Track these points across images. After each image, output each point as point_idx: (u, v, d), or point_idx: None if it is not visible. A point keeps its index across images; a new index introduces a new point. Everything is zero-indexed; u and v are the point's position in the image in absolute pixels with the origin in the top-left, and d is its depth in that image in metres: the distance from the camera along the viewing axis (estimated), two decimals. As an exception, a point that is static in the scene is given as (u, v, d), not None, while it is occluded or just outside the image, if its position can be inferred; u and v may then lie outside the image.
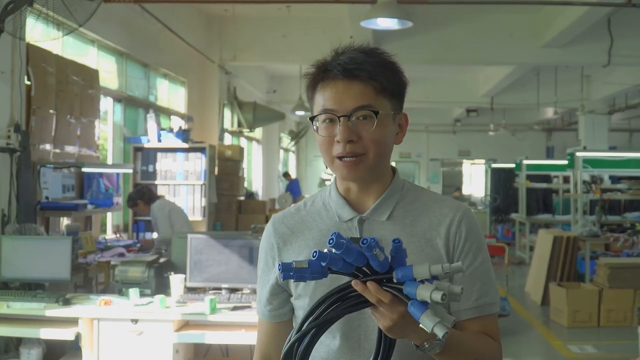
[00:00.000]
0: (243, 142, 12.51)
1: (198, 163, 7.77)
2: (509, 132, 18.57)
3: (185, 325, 3.72)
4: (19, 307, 3.72)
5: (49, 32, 4.37)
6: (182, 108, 9.38)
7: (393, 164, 1.50)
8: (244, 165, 9.91)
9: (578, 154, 9.38)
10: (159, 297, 3.70)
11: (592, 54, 9.12)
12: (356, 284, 1.17)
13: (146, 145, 7.67)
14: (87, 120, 5.94)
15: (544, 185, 12.62)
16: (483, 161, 19.06)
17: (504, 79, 12.22)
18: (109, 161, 7.21)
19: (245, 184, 10.62)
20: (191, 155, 7.78)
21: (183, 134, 7.71)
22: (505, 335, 5.58)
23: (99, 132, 6.32)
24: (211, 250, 3.92)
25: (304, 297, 1.42)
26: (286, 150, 18.42)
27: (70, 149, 5.67)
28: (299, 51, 9.63)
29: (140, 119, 8.01)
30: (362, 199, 1.44)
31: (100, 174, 6.10)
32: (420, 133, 19.58)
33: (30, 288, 4.03)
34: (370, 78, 1.35)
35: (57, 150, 5.45)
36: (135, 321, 3.62)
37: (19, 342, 4.06)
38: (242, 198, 9.34)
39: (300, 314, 1.44)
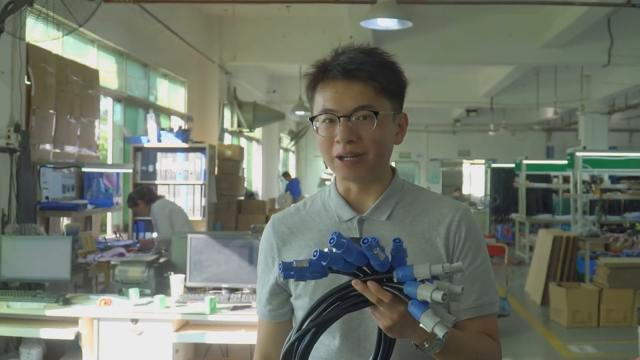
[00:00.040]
0: (243, 142, 12.51)
1: (198, 163, 7.78)
2: (508, 132, 18.58)
3: (185, 325, 3.72)
4: (19, 307, 3.72)
5: (49, 32, 4.37)
6: (182, 108, 9.38)
7: (393, 164, 1.50)
8: (244, 165, 9.91)
9: (578, 154, 9.38)
10: (158, 297, 3.70)
11: (592, 54, 9.12)
12: (356, 284, 1.17)
13: (146, 145, 7.67)
14: (87, 120, 5.95)
15: (543, 185, 12.62)
16: (483, 161, 19.07)
17: (504, 79, 12.22)
18: (109, 161, 7.21)
19: (245, 184, 10.62)
20: (191, 155, 7.78)
21: (183, 134, 7.71)
22: (505, 335, 5.58)
23: (99, 132, 6.32)
24: (211, 250, 3.92)
25: (303, 297, 1.42)
26: (286, 150, 18.43)
27: (70, 149, 5.67)
28: (299, 51, 9.63)
29: (140, 119, 8.01)
30: (361, 199, 1.44)
31: (100, 174, 6.11)
32: (420, 133, 19.59)
33: (30, 288, 4.03)
34: (370, 78, 1.35)
35: (57, 150, 5.45)
36: (135, 321, 3.62)
37: (19, 342, 4.06)
38: (242, 198, 9.34)
39: (300, 314, 1.44)
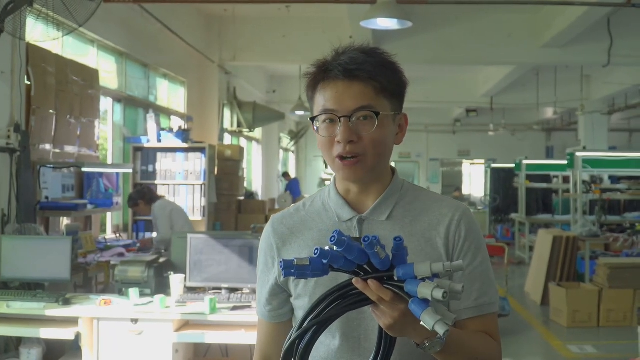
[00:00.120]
0: (243, 142, 12.51)
1: (198, 163, 7.78)
2: (508, 132, 18.58)
3: (185, 325, 3.72)
4: (19, 307, 3.72)
5: (49, 32, 4.37)
6: (181, 108, 9.38)
7: (393, 164, 1.50)
8: (244, 165, 9.91)
9: (578, 154, 9.38)
10: (158, 297, 3.70)
11: (592, 54, 9.12)
12: (357, 282, 1.17)
13: (146, 145, 7.67)
14: (87, 120, 5.95)
15: (543, 185, 12.62)
16: (483, 161, 19.07)
17: (504, 79, 12.22)
18: (109, 161, 7.21)
19: (245, 184, 10.62)
20: (191, 155, 7.78)
21: (183, 134, 7.71)
22: (505, 335, 5.58)
23: (98, 132, 6.32)
24: (211, 250, 3.92)
25: (303, 297, 1.42)
26: (286, 150, 18.43)
27: (70, 149, 5.67)
28: (299, 51, 9.63)
29: (140, 119, 8.01)
30: (361, 199, 1.44)
31: (100, 174, 6.10)
32: (420, 133, 19.59)
33: (30, 288, 4.03)
34: (370, 78, 1.35)
35: (57, 150, 5.45)
36: (135, 321, 3.62)
37: (19, 341, 4.06)
38: (241, 198, 9.34)
39: (300, 314, 1.44)
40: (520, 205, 12.34)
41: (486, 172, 15.98)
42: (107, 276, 5.21)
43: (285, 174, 16.73)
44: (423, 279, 1.14)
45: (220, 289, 3.92)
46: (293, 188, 15.29)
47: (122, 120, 7.55)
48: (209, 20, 9.61)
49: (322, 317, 1.20)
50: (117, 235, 7.05)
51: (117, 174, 6.59)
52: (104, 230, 7.04)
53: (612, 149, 13.87)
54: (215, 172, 8.35)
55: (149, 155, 7.72)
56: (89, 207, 5.51)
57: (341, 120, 1.35)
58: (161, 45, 8.15)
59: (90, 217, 6.11)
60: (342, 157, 1.36)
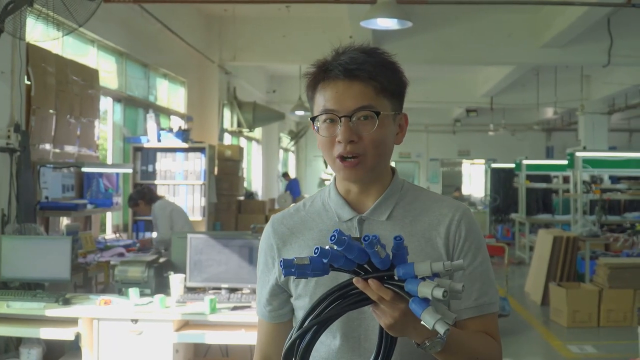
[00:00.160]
0: (243, 142, 12.51)
1: (198, 163, 7.78)
2: (508, 132, 18.58)
3: (185, 325, 3.72)
4: (18, 306, 3.72)
5: (49, 32, 4.37)
6: (181, 108, 9.38)
7: (393, 164, 1.50)
8: (244, 165, 9.91)
9: (578, 154, 9.38)
10: (158, 297, 3.70)
11: (592, 54, 9.12)
12: (357, 282, 1.17)
13: (146, 145, 7.67)
14: (87, 120, 5.95)
15: (543, 185, 12.62)
16: (483, 161, 19.07)
17: (504, 79, 12.22)
18: (109, 161, 7.21)
19: (245, 184, 10.63)
20: (191, 155, 7.78)
21: (183, 134, 7.71)
22: (505, 335, 5.58)
23: (98, 132, 6.32)
24: (211, 250, 3.92)
25: (304, 297, 1.42)
26: (286, 150, 18.43)
27: (70, 148, 5.67)
28: (299, 51, 9.63)
29: (140, 119, 8.01)
30: (361, 199, 1.44)
31: (100, 174, 6.10)
32: (420, 133, 19.59)
33: (30, 288, 4.03)
34: (370, 78, 1.35)
35: (57, 150, 5.45)
36: (135, 321, 3.62)
37: (18, 341, 4.06)
38: (241, 198, 9.34)
39: (300, 314, 1.44)
40: (520, 205, 12.34)
41: (486, 172, 15.98)
42: (107, 276, 5.21)
43: (285, 174, 16.73)
44: (423, 278, 1.14)
45: (220, 289, 3.92)
46: (293, 188, 15.30)
47: (122, 120, 7.55)
48: (209, 20, 9.61)
49: (322, 316, 1.20)
50: (117, 235, 7.05)
51: (117, 174, 6.59)
52: (103, 230, 7.04)
53: (612, 149, 13.86)
54: (215, 172, 8.35)
55: (148, 155, 7.72)
56: (89, 207, 5.51)
57: (341, 120, 1.35)
58: (161, 45, 8.15)
59: (90, 217, 6.11)
60: (342, 158, 1.36)
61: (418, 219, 1.42)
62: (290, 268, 1.16)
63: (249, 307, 3.71)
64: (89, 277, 5.04)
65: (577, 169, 9.25)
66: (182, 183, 7.77)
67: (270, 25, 9.69)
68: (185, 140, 7.72)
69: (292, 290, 1.45)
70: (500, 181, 14.73)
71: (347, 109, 1.35)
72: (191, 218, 6.99)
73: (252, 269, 3.81)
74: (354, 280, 1.17)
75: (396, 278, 1.16)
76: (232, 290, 3.91)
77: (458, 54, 9.58)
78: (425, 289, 1.12)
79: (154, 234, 6.42)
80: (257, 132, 13.80)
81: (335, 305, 1.20)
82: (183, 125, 8.39)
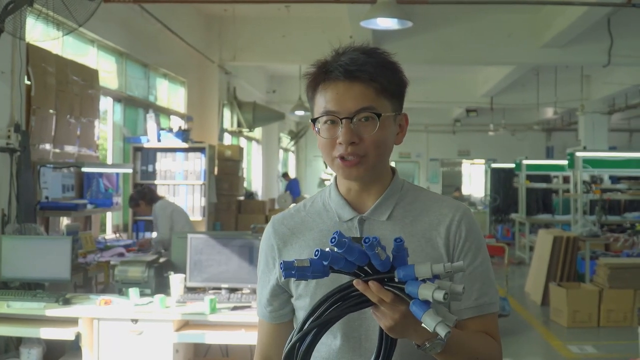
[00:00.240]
0: (243, 142, 12.51)
1: (198, 163, 7.78)
2: (508, 132, 18.58)
3: (185, 325, 3.72)
4: (19, 306, 3.72)
5: (49, 32, 4.37)
6: (181, 108, 9.38)
7: (393, 164, 1.50)
8: (244, 165, 9.91)
9: (578, 154, 9.38)
10: (158, 297, 3.70)
11: (592, 54, 9.12)
12: (358, 284, 1.17)
13: (146, 145, 7.67)
14: (87, 120, 5.95)
15: (543, 185, 12.63)
16: (483, 161, 19.08)
17: (504, 79, 12.22)
18: (109, 161, 7.21)
19: (245, 184, 10.62)
20: (191, 155, 7.78)
21: (183, 134, 7.71)
22: (505, 335, 5.58)
23: (98, 132, 6.32)
24: (211, 250, 3.92)
25: (304, 297, 1.42)
26: (286, 150, 18.43)
27: (70, 148, 5.67)
28: (299, 51, 9.63)
29: (140, 119, 8.01)
30: (362, 199, 1.44)
31: (100, 174, 6.10)
32: (420, 133, 19.59)
33: (30, 288, 4.03)
34: (371, 79, 1.35)
35: (57, 150, 5.45)
36: (135, 321, 3.62)
37: (19, 341, 4.06)
38: (241, 198, 9.34)
39: (300, 314, 1.44)
40: (520, 205, 12.34)
41: (486, 172, 15.98)
42: (107, 276, 5.21)
43: (285, 175, 16.73)
44: (424, 280, 1.14)
45: (220, 289, 3.92)
46: (293, 188, 15.30)
47: (122, 120, 7.55)
48: (209, 20, 9.61)
49: (322, 319, 1.20)
50: (117, 235, 7.05)
51: (117, 174, 6.59)
52: (103, 230, 7.04)
53: (612, 149, 13.86)
54: (215, 172, 8.35)
55: (148, 155, 7.72)
56: (89, 207, 5.51)
57: (342, 122, 1.35)
58: (161, 45, 8.14)
59: (90, 217, 6.11)
60: (342, 157, 1.36)
61: (418, 219, 1.42)
62: (291, 270, 1.16)
63: (249, 307, 3.71)
64: (89, 277, 5.04)
65: (577, 169, 9.25)
66: (182, 183, 7.77)
67: (270, 25, 9.69)
68: (185, 140, 7.72)
69: (292, 290, 1.45)
70: (500, 181, 14.73)
71: (348, 111, 1.35)
72: (191, 218, 6.99)
73: (252, 269, 3.81)
74: (354, 282, 1.17)
75: (396, 280, 1.16)
76: (232, 290, 3.91)
77: (458, 54, 9.58)
78: (426, 292, 1.12)
79: (154, 234, 6.42)
80: (257, 132, 13.80)
81: (336, 307, 1.20)
82: (183, 125, 8.39)
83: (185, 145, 7.72)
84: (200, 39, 9.30)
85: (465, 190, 21.32)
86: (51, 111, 5.32)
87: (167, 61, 8.51)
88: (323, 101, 1.37)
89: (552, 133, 20.18)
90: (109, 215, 7.16)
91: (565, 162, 10.47)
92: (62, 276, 3.95)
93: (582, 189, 9.23)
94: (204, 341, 3.74)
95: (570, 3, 7.29)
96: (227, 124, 10.75)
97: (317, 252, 1.15)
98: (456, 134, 20.04)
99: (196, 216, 7.65)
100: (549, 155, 19.34)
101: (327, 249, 1.15)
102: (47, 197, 5.12)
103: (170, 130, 7.78)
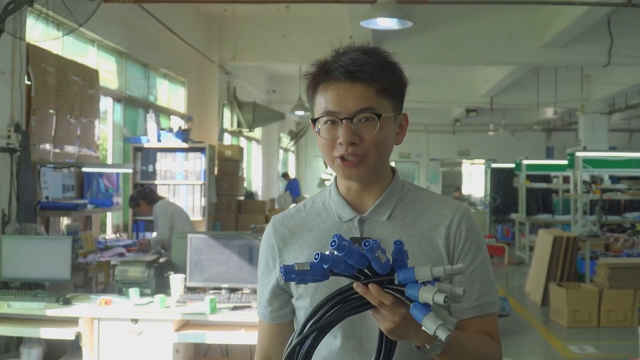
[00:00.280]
0: (243, 142, 12.51)
1: (198, 163, 7.78)
2: (508, 132, 18.58)
3: (185, 325, 3.72)
4: (19, 306, 3.72)
5: (49, 32, 4.37)
6: (181, 108, 9.38)
7: (393, 164, 1.50)
8: (244, 165, 9.91)
9: (578, 154, 9.39)
10: (159, 297, 3.70)
11: (592, 54, 9.12)
12: (358, 287, 1.17)
13: (146, 145, 7.67)
14: (87, 120, 5.95)
15: (543, 185, 12.62)
16: (483, 161, 19.07)
17: (504, 79, 12.22)
18: (109, 161, 7.21)
19: (245, 184, 10.62)
20: (191, 155, 7.78)
21: (183, 134, 7.71)
22: (505, 335, 5.58)
23: (98, 132, 6.32)
24: (211, 250, 3.93)
25: (304, 297, 1.42)
26: (286, 150, 18.43)
27: (70, 148, 5.67)
28: (299, 51, 9.63)
29: (140, 119, 8.01)
30: (362, 199, 1.44)
31: (100, 174, 6.10)
32: (420, 133, 19.59)
33: (30, 288, 4.03)
34: (371, 79, 1.35)
35: (57, 150, 5.45)
36: (135, 321, 3.62)
37: (19, 341, 4.06)
38: (241, 198, 9.34)
39: (301, 314, 1.44)
40: (520, 205, 12.34)
41: (486, 172, 15.98)
42: (107, 276, 5.21)
43: (285, 175, 16.73)
44: (424, 283, 1.14)
45: (220, 289, 3.92)
46: (293, 188, 15.30)
47: (122, 120, 7.55)
48: (209, 20, 9.61)
49: (322, 322, 1.20)
50: (117, 235, 7.05)
51: (117, 174, 6.59)
52: (104, 230, 7.04)
53: (612, 149, 13.86)
54: (215, 172, 8.35)
55: (148, 155, 7.72)
56: (89, 207, 5.51)
57: (343, 122, 1.35)
58: (161, 45, 8.15)
59: (90, 217, 6.11)
60: (342, 158, 1.36)
61: (418, 219, 1.42)
62: (291, 274, 1.16)
63: (249, 307, 3.71)
64: (89, 277, 5.04)
65: (577, 169, 9.25)
66: (182, 183, 7.78)
67: (270, 25, 9.70)
68: (185, 140, 7.72)
69: (293, 290, 1.46)
70: (500, 181, 14.73)
71: (348, 111, 1.35)
72: (191, 218, 6.99)
73: (252, 269, 3.81)
74: (354, 285, 1.17)
75: (396, 283, 1.16)
76: (232, 290, 3.91)
77: (458, 54, 9.58)
78: (426, 295, 1.12)
79: (154, 234, 6.42)
80: (257, 132, 13.79)
81: (336, 310, 1.20)
82: (183, 125, 8.39)
83: (185, 145, 7.72)
84: (200, 39, 9.30)
85: (465, 190, 21.32)
86: (51, 111, 5.32)
87: (167, 61, 8.51)
88: (323, 101, 1.37)
89: (552, 133, 20.18)
90: (109, 215, 7.17)
91: (565, 162, 10.47)
92: (63, 276, 3.96)
93: (582, 189, 9.23)
94: (204, 341, 3.74)
95: (570, 3, 7.29)
96: (227, 124, 10.75)
97: (317, 256, 1.15)
98: (456, 134, 20.04)
99: (196, 216, 7.65)
100: (549, 155, 19.35)
101: (327, 252, 1.15)
102: (47, 197, 5.12)
103: (170, 130, 7.79)
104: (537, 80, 12.91)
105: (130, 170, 7.17)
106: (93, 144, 6.12)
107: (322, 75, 1.38)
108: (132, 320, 3.62)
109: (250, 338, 3.54)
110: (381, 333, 1.23)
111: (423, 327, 1.13)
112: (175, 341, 3.61)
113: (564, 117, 17.87)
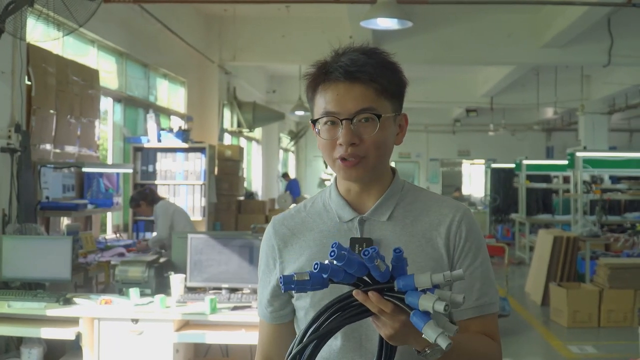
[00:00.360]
0: (243, 142, 12.51)
1: (198, 163, 7.78)
2: (508, 132, 18.58)
3: (185, 325, 3.73)
4: (19, 306, 3.73)
5: (50, 32, 4.37)
6: (181, 108, 9.38)
7: (393, 164, 1.50)
8: (244, 165, 9.92)
9: (578, 154, 9.38)
10: (159, 297, 3.70)
11: (592, 54, 9.12)
12: (357, 294, 1.17)
13: (146, 145, 7.67)
14: (87, 120, 5.95)
15: (543, 185, 12.62)
16: (483, 161, 19.07)
17: (504, 79, 12.22)
18: (109, 161, 7.21)
19: (245, 184, 10.62)
20: (191, 155, 7.78)
21: (183, 134, 7.71)
22: (505, 335, 5.59)
23: (99, 132, 6.32)
24: (211, 250, 3.93)
25: (305, 297, 1.42)
26: (286, 150, 18.43)
27: (70, 149, 5.67)
28: (299, 51, 9.64)
29: (140, 119, 8.01)
30: (362, 200, 1.44)
31: (100, 174, 6.11)
32: (420, 133, 19.59)
33: (30, 288, 4.04)
34: (371, 80, 1.35)
35: (57, 150, 5.45)
36: (135, 321, 3.62)
37: (19, 341, 4.06)
38: (241, 198, 9.34)
39: (301, 314, 1.44)
40: (521, 205, 12.34)
41: (486, 172, 15.98)
42: (107, 276, 5.22)
43: (285, 175, 16.73)
44: (424, 290, 1.14)
45: (220, 289, 3.92)
46: (293, 188, 15.30)
47: (122, 120, 7.55)
48: (209, 20, 9.61)
49: (322, 330, 1.20)
50: (118, 235, 7.05)
51: (117, 174, 6.59)
52: (104, 230, 7.05)
53: (612, 149, 13.87)
54: (215, 172, 8.35)
55: (149, 155, 7.72)
56: (89, 207, 5.51)
57: (343, 123, 1.35)
58: (161, 45, 8.15)
59: (90, 217, 6.11)
60: (343, 158, 1.36)
61: (419, 219, 1.42)
62: (290, 284, 1.16)
63: (249, 307, 3.71)
64: (89, 277, 5.04)
65: (577, 169, 9.25)
66: (182, 183, 7.78)
67: (270, 25, 9.70)
68: (185, 140, 7.72)
69: (293, 291, 1.45)
70: (500, 181, 14.73)
71: (348, 112, 1.35)
72: (191, 218, 7.00)
73: (252, 269, 3.81)
74: (354, 292, 1.17)
75: (396, 290, 1.16)
76: (233, 290, 3.91)
77: (458, 54, 9.58)
78: (426, 302, 1.12)
79: (153, 234, 6.42)
80: (257, 132, 13.79)
81: (335, 318, 1.20)
82: (183, 125, 8.39)
83: (185, 145, 7.72)
84: (200, 39, 9.31)
85: (465, 190, 21.32)
86: (51, 111, 5.32)
87: (167, 61, 8.52)
88: (323, 102, 1.37)
89: (552, 133, 20.18)
90: (109, 215, 7.17)
91: (565, 162, 10.47)
92: (63, 276, 3.96)
93: (582, 189, 9.23)
94: (204, 341, 3.74)
95: (570, 3, 7.29)
96: (227, 124, 10.76)
97: (316, 265, 1.14)
98: (456, 134, 20.04)
99: (196, 216, 7.66)
100: (549, 155, 19.35)
101: (327, 261, 1.15)
102: (47, 197, 5.12)
103: (171, 130, 7.79)
104: (537, 80, 12.91)
105: (130, 171, 7.17)
106: (93, 144, 6.12)
107: (321, 75, 1.38)
108: (133, 320, 3.62)
109: (250, 338, 3.54)
110: (381, 339, 1.23)
111: (423, 335, 1.13)
112: (175, 341, 3.61)
113: (564, 117, 17.88)
